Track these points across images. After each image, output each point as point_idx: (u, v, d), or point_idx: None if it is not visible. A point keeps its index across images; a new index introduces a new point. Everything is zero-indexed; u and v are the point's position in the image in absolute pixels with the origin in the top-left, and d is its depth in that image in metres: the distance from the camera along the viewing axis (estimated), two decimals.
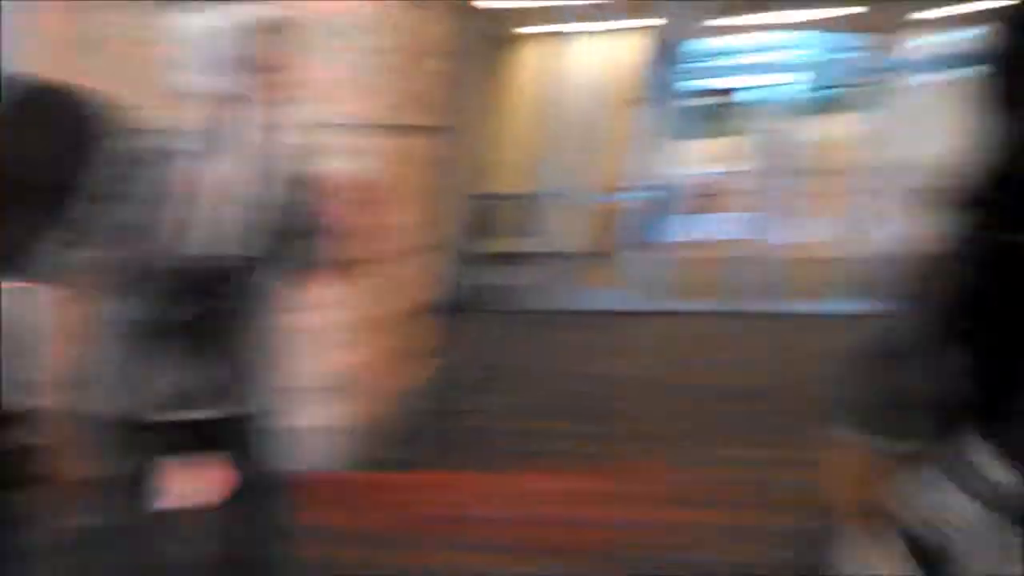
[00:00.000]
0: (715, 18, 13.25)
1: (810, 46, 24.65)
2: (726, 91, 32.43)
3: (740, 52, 25.94)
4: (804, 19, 10.44)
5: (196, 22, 2.16)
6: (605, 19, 11.23)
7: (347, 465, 4.35)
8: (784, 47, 9.33)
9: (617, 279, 8.84)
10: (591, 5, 9.63)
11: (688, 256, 13.20)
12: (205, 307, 2.10)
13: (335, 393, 4.42)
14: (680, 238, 14.28)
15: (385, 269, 4.72)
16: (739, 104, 34.17)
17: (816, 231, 15.22)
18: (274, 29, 2.16)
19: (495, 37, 11.72)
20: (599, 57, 11.66)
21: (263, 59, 2.12)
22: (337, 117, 4.08)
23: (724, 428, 4.86)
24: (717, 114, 34.35)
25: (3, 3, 3.83)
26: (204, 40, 2.13)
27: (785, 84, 8.20)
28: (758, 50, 24.88)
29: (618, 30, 11.99)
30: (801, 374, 5.94)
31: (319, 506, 3.69)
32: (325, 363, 4.45)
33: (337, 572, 3.27)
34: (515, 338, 7.22)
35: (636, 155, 23.04)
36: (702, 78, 12.53)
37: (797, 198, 8.05)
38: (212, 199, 2.11)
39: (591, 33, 11.45)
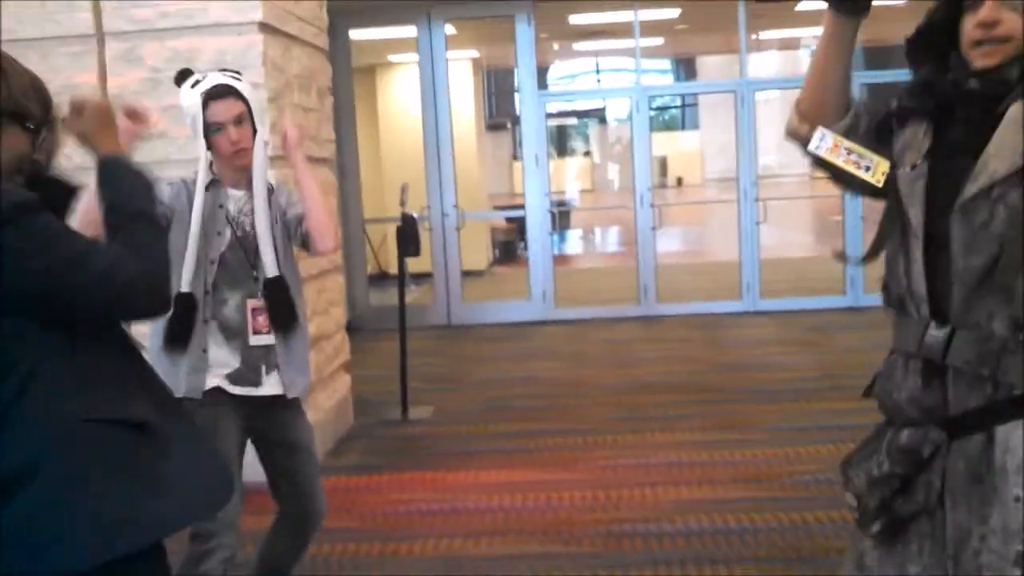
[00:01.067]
0: (562, 44, 14.04)
1: (650, 71, 25.89)
2: (577, 113, 33.62)
3: (587, 76, 27.04)
4: (645, 45, 11.17)
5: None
6: (465, 47, 11.74)
7: None
8: (626, 71, 9.99)
9: (516, 292, 9.30)
10: (454, 36, 10.03)
11: (574, 267, 13.93)
12: None
13: None
14: (562, 251, 14.99)
15: (310, 289, 4.98)
16: (589, 125, 35.39)
17: (681, 240, 16.33)
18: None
19: (365, 66, 12.04)
20: (462, 83, 12.16)
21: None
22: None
23: (652, 418, 5.35)
24: (572, 135, 35.44)
25: None
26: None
27: (628, 104, 8.90)
28: (603, 73, 25.98)
29: (475, 58, 12.54)
30: (700, 368, 6.60)
31: None
32: None
33: (349, 566, 3.55)
34: (433, 351, 7.53)
35: (505, 176, 23.61)
36: (555, 101, 13.22)
37: (657, 211, 8.73)
38: None
39: (455, 60, 11.92)
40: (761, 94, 9.78)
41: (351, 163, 8.97)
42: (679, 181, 31.55)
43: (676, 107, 35.63)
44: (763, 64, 23.04)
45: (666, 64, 28.17)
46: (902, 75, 1.79)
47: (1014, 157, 1.50)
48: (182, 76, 2.65)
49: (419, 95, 9.04)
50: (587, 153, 34.70)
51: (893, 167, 1.65)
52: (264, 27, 4.52)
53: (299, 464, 2.77)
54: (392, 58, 11.99)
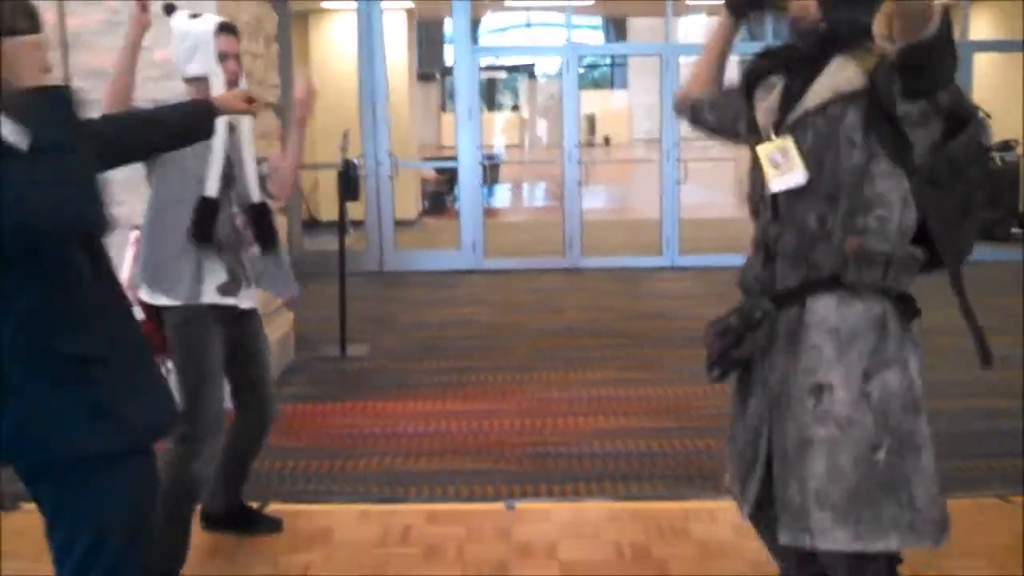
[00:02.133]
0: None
1: (581, 27, 26.13)
2: (507, 68, 33.67)
3: (518, 29, 27.09)
4: (575, 4, 11.43)
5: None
6: None
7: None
8: (557, 25, 10.29)
9: (445, 242, 9.63)
10: None
11: (503, 220, 14.29)
12: None
13: None
14: (490, 204, 15.33)
15: None
16: (518, 80, 35.41)
17: (607, 197, 16.81)
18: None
19: (300, 12, 12.10)
20: (396, 33, 12.32)
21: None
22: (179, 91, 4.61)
23: (574, 359, 5.79)
24: (501, 89, 35.50)
25: None
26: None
27: (559, 62, 9.27)
28: (534, 27, 26.08)
29: (409, 9, 12.68)
30: (620, 316, 7.07)
31: None
32: None
33: (301, 480, 3.92)
34: (367, 295, 7.83)
35: (433, 127, 23.63)
36: (486, 55, 13.48)
37: (584, 167, 9.13)
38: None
39: (390, 10, 12.05)
40: (688, 58, 10.21)
41: (286, 108, 9.12)
42: (607, 140, 31.98)
43: (606, 65, 36.00)
44: (693, 28, 23.46)
45: (598, 21, 28.45)
46: None
47: (823, 95, 2.05)
48: (170, 9, 3.00)
49: (354, 43, 9.24)
50: (515, 108, 34.91)
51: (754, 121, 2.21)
52: None
53: (261, 369, 3.18)
54: (325, 5, 12.07)
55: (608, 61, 35.19)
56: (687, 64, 10.72)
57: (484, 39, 24.56)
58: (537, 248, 9.91)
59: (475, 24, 19.87)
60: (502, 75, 33.99)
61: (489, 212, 13.57)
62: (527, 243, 10.55)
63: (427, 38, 25.22)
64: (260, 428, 3.23)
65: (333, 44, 12.11)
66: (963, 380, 4.64)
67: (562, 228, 9.23)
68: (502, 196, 18.20)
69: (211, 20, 2.96)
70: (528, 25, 27.48)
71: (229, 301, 2.97)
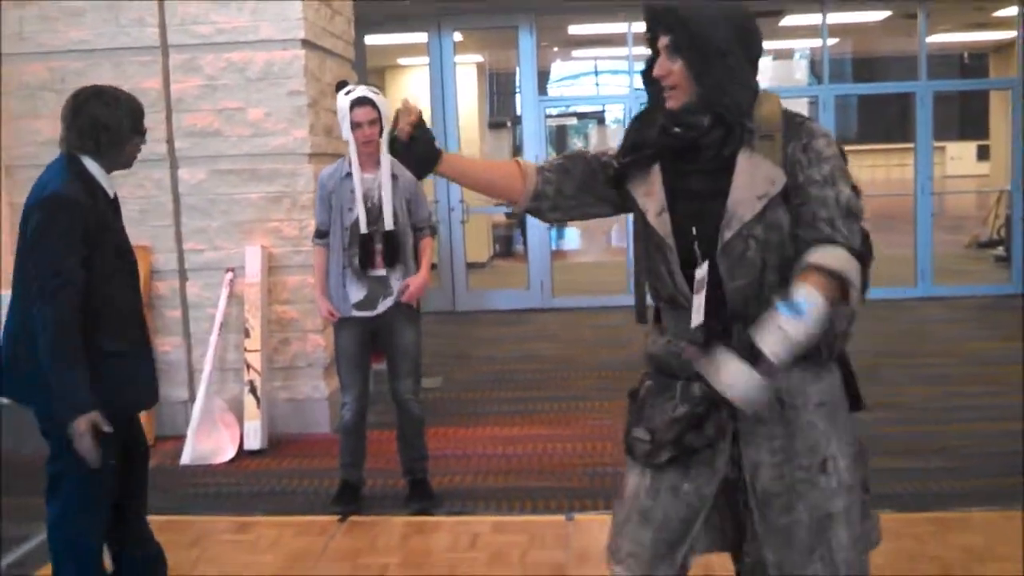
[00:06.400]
0: (562, 51, 14.78)
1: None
2: (577, 114, 34.21)
3: (587, 76, 27.70)
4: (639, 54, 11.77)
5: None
6: (471, 53, 12.46)
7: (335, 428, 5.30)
8: (623, 72, 10.65)
9: (516, 283, 10.04)
10: (461, 42, 10.71)
11: (572, 261, 14.68)
12: None
13: (318, 370, 5.37)
14: (560, 246, 15.76)
15: None
16: (588, 126, 35.87)
17: None
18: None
19: (377, 69, 12.75)
20: (467, 85, 12.87)
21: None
22: (269, 147, 5.15)
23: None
24: (571, 135, 36.05)
25: None
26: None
27: (624, 110, 9.65)
28: (602, 75, 26.69)
29: (479, 62, 13.26)
30: None
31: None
32: (309, 345, 5.38)
33: (379, 495, 4.30)
34: (440, 333, 8.24)
35: None
36: (552, 105, 13.96)
37: None
38: None
39: (462, 64, 12.62)
40: None
41: None
42: None
43: None
44: (764, 70, 23.74)
45: None
46: (889, 87, 2.42)
47: (754, 203, 1.93)
48: (340, 86, 3.86)
49: (427, 96, 9.77)
50: None
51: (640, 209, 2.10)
52: (305, 43, 5.25)
53: (395, 356, 4.05)
54: (401, 61, 12.71)
55: None
56: None
57: (554, 87, 25.14)
58: (604, 287, 10.23)
59: (544, 74, 20.46)
60: (572, 121, 34.60)
61: (557, 254, 13.95)
62: (594, 283, 10.88)
63: (499, 88, 25.95)
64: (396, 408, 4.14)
65: (407, 98, 12.71)
66: (1003, 404, 4.84)
67: (626, 267, 9.54)
68: (571, 238, 18.60)
69: (353, 94, 3.73)
70: (596, 73, 28.02)
71: (363, 314, 3.95)
